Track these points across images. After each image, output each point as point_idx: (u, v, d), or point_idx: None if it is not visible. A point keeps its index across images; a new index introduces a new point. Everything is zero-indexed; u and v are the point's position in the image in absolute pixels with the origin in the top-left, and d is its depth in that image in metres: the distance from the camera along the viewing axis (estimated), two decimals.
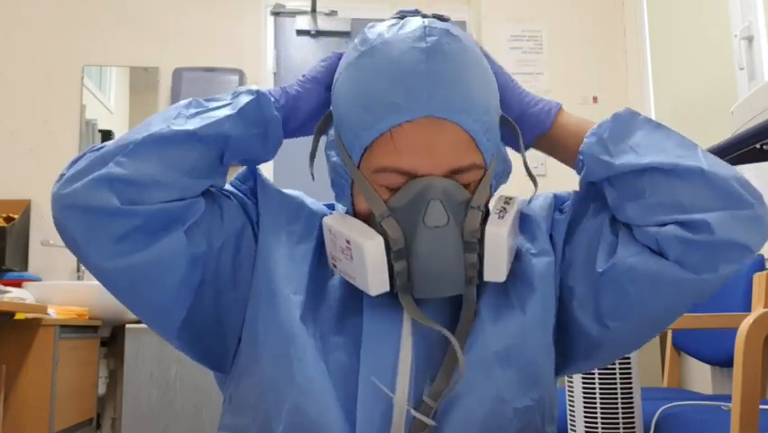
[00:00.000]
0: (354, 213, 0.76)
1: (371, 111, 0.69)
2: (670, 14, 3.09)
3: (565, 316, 0.78)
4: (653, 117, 3.18)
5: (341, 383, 0.71)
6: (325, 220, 0.74)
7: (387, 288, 0.70)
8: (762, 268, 2.04)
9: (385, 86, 0.68)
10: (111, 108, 3.42)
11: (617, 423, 2.66)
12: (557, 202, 0.86)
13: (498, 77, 0.78)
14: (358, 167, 0.72)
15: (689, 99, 2.88)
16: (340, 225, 0.72)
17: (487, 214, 0.74)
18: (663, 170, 0.69)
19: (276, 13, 3.50)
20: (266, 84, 3.43)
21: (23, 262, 3.13)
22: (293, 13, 3.51)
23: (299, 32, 3.52)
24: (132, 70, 3.37)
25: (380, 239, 0.69)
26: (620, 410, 2.65)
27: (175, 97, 3.29)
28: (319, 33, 3.54)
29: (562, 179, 3.70)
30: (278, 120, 0.76)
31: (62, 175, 0.74)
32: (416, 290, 0.70)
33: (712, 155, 0.74)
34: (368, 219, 0.72)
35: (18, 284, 2.75)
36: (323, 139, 0.81)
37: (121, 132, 3.37)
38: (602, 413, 2.66)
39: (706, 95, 2.72)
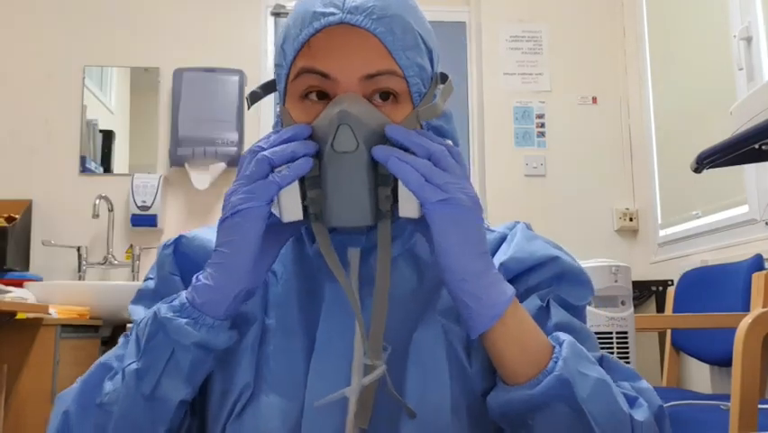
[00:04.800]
0: None
1: (295, 25, 0.72)
2: (670, 15, 3.09)
3: None
4: (653, 118, 3.20)
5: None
6: (244, 152, 0.73)
7: (299, 215, 0.69)
8: (760, 268, 2.05)
9: (306, 4, 0.72)
10: (112, 108, 3.43)
11: None
12: (548, 266, 0.79)
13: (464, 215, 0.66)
14: (284, 103, 0.74)
15: (688, 99, 2.89)
16: None
17: None
18: None
19: (276, 14, 3.50)
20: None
21: (25, 262, 3.14)
22: None
23: None
24: (133, 71, 3.37)
25: None
26: None
27: (175, 97, 3.30)
28: None
29: (563, 180, 3.70)
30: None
31: None
32: (326, 218, 0.69)
33: None
34: None
35: (19, 284, 2.76)
36: None
37: (121, 132, 3.37)
38: None
39: (705, 95, 2.72)
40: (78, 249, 3.14)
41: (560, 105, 3.41)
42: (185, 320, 0.67)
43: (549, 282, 0.77)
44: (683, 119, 2.92)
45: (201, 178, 3.23)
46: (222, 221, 0.68)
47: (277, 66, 0.76)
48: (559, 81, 3.43)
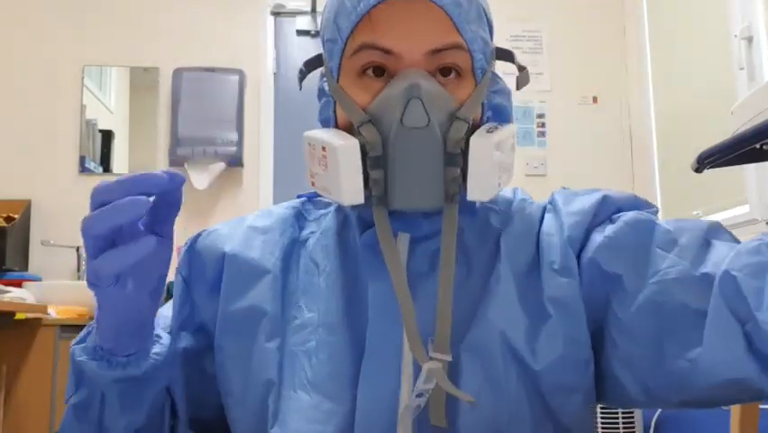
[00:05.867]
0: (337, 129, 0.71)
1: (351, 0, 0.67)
2: (670, 14, 3.09)
3: (599, 360, 0.69)
4: (653, 117, 3.20)
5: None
6: (305, 133, 0.69)
7: (361, 198, 0.65)
8: None
9: None
10: (111, 108, 3.43)
11: (617, 423, 2.66)
12: (604, 209, 0.71)
13: None
14: (338, 81, 0.69)
15: (689, 99, 2.89)
16: (318, 133, 0.67)
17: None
18: None
19: (276, 14, 3.50)
20: (266, 84, 3.43)
21: (24, 262, 3.13)
22: (293, 14, 3.51)
23: (299, 32, 3.52)
24: (132, 70, 3.37)
25: (355, 141, 0.64)
26: (620, 410, 2.65)
27: (175, 97, 3.29)
28: (319, 33, 3.54)
29: (563, 179, 3.70)
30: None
31: None
32: (391, 199, 0.65)
33: None
34: (349, 131, 0.68)
35: (18, 284, 2.76)
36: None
37: (121, 132, 3.37)
38: (602, 413, 2.66)
39: (706, 95, 2.72)
40: (78, 249, 3.13)
41: (560, 104, 3.41)
42: (96, 363, 0.64)
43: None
44: (684, 119, 2.92)
45: (200, 178, 3.22)
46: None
47: (329, 41, 0.70)
48: (559, 81, 3.43)
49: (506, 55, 0.75)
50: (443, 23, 0.66)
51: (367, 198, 0.66)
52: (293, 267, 0.75)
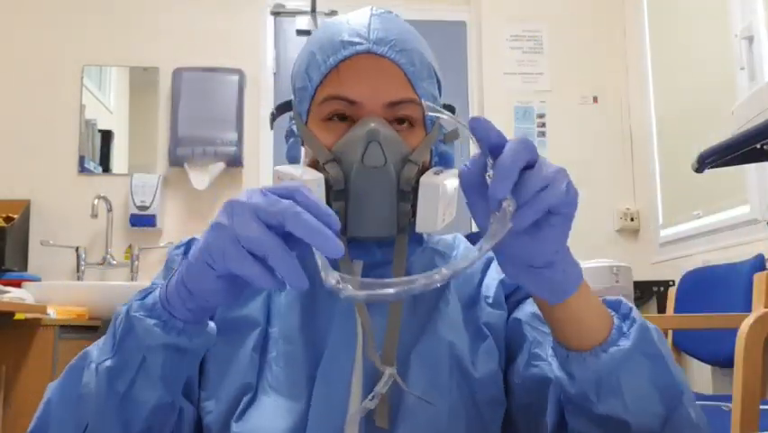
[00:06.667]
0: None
1: (322, 52, 0.78)
2: (670, 14, 3.08)
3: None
4: (653, 117, 3.19)
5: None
6: (276, 167, 0.79)
7: None
8: (762, 268, 2.04)
9: (334, 30, 0.79)
10: (111, 108, 3.42)
11: None
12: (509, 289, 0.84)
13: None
14: (306, 123, 0.80)
15: (689, 99, 2.88)
16: (288, 168, 0.78)
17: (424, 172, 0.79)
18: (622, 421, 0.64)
19: (276, 13, 3.50)
20: (266, 84, 3.43)
21: (23, 262, 3.13)
22: (293, 13, 3.51)
23: (299, 32, 3.52)
24: (132, 70, 3.37)
25: (321, 176, 0.74)
26: None
27: (175, 97, 3.29)
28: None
29: None
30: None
31: None
32: (350, 228, 0.75)
33: (693, 410, 0.66)
34: (315, 168, 0.78)
35: (18, 284, 2.75)
36: None
37: (121, 132, 3.37)
38: None
39: (706, 95, 2.71)
40: (77, 249, 3.13)
41: (560, 104, 3.41)
42: (153, 321, 0.64)
43: None
44: (684, 119, 2.91)
45: (200, 178, 3.22)
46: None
47: (300, 89, 0.82)
48: (559, 81, 3.43)
49: (450, 109, 0.86)
50: (400, 80, 0.78)
51: None
52: None
